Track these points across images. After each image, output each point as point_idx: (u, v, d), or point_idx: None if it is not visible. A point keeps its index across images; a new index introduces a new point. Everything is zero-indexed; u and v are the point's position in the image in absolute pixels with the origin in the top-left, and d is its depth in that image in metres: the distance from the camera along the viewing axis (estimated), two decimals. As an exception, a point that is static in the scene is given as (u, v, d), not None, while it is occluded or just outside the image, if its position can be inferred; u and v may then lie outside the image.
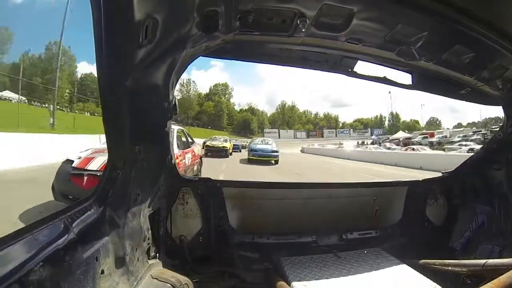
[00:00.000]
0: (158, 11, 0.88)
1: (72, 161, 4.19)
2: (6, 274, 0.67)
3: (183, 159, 5.62)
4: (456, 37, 1.20)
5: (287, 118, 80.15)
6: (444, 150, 22.96)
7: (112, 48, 0.85)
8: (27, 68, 42.68)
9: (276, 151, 14.99)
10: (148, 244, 1.44)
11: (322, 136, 74.80)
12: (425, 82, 1.67)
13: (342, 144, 38.06)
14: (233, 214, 1.81)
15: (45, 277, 0.76)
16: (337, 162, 19.17)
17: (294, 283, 1.43)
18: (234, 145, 23.15)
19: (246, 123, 72.39)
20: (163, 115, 1.37)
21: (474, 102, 1.80)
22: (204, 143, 19.48)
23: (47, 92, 39.44)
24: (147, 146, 1.28)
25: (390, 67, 1.59)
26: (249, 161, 14.50)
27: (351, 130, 79.31)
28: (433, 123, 71.74)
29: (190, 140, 7.15)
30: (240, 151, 22.48)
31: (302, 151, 34.91)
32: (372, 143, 38.28)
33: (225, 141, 19.47)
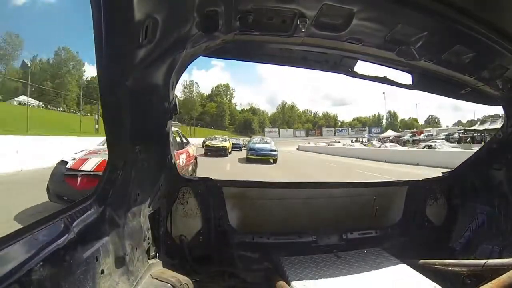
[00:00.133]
0: (158, 11, 0.88)
1: (67, 162, 4.21)
2: (6, 274, 0.67)
3: (177, 160, 5.66)
4: (456, 37, 1.20)
5: (287, 118, 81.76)
6: (407, 146, 25.66)
7: (112, 48, 0.85)
8: (37, 73, 44.60)
9: (275, 150, 15.19)
10: (148, 244, 1.44)
11: (321, 135, 76.20)
12: (425, 82, 1.67)
13: (339, 142, 41.82)
14: (233, 213, 1.81)
15: (45, 277, 0.77)
16: (321, 157, 23.12)
17: (294, 283, 1.43)
18: (235, 144, 23.46)
19: (247, 123, 74.24)
20: (163, 115, 1.37)
21: (474, 102, 1.80)
22: (204, 142, 19.64)
23: (56, 96, 41.65)
24: (147, 146, 1.28)
25: (390, 67, 1.59)
26: (248, 160, 14.71)
27: (349, 128, 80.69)
28: (432, 121, 72.54)
29: (185, 140, 7.20)
30: (241, 150, 22.66)
31: (298, 148, 36.75)
32: (359, 141, 41.66)
33: (224, 140, 19.66)
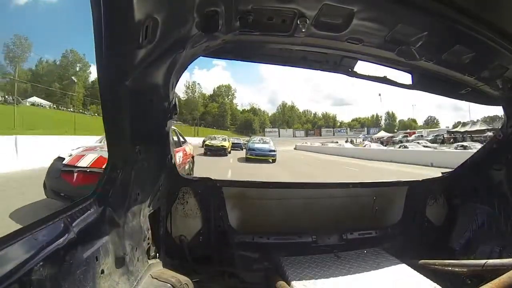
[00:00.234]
0: (158, 11, 0.88)
1: (63, 159, 4.24)
2: (6, 274, 0.67)
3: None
4: (456, 37, 1.20)
5: (287, 118, 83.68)
6: (387, 146, 28.97)
7: (112, 48, 0.85)
8: (45, 75, 47.78)
9: (274, 150, 15.46)
10: (148, 244, 1.44)
11: (320, 135, 77.75)
12: (425, 82, 1.67)
13: (336, 142, 44.35)
14: (233, 214, 1.81)
15: (45, 277, 0.77)
16: (314, 155, 25.56)
17: (294, 283, 1.43)
18: (236, 143, 23.60)
19: (248, 123, 76.16)
20: (163, 115, 1.37)
21: (474, 102, 1.80)
22: (204, 142, 19.70)
23: (63, 96, 44.55)
24: (147, 146, 1.28)
25: (390, 67, 1.59)
26: (247, 160, 14.91)
27: (348, 129, 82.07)
28: (431, 122, 73.38)
29: (182, 139, 7.23)
30: (242, 150, 22.65)
31: (295, 148, 38.80)
32: (349, 141, 44.89)
33: (224, 140, 19.69)
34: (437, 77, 1.59)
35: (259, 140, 17.27)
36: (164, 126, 1.42)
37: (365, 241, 1.90)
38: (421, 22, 1.14)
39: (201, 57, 1.38)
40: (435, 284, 1.36)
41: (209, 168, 10.49)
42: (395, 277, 1.49)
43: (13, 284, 0.68)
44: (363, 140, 42.93)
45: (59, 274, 0.83)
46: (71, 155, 4.33)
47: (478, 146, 21.25)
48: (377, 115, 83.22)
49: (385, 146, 30.13)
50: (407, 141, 33.23)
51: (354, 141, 44.74)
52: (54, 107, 40.10)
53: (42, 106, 40.48)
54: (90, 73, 52.47)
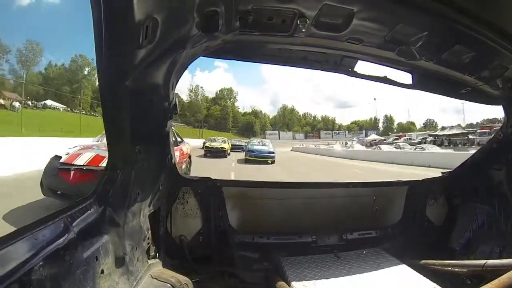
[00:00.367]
0: (158, 11, 0.88)
1: (60, 157, 4.28)
2: (6, 273, 0.67)
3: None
4: (456, 37, 1.20)
5: (287, 121, 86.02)
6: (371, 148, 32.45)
7: (112, 48, 0.85)
8: (56, 78, 50.26)
9: (273, 152, 15.78)
10: (148, 244, 1.44)
11: (319, 137, 79.33)
12: (425, 81, 1.67)
13: (333, 144, 46.37)
14: (233, 214, 1.81)
15: (45, 277, 0.77)
16: (307, 156, 28.42)
17: (294, 283, 1.43)
18: (237, 145, 23.71)
19: (250, 126, 78.37)
20: (163, 115, 1.37)
21: (474, 102, 1.80)
22: (204, 143, 19.82)
23: (73, 99, 46.78)
24: (147, 146, 1.28)
25: (390, 67, 1.59)
26: (246, 161, 15.13)
27: (347, 131, 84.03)
28: (429, 125, 74.56)
29: (179, 139, 7.27)
30: (243, 151, 22.69)
31: (292, 149, 40.74)
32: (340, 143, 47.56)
33: (223, 142, 19.84)
34: (437, 77, 1.59)
35: (258, 142, 17.58)
36: (164, 126, 1.42)
37: (365, 241, 1.90)
38: (421, 22, 1.14)
39: (203, 59, 1.38)
40: (435, 284, 1.36)
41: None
42: (395, 277, 1.49)
43: (13, 284, 0.68)
44: (357, 143, 45.34)
45: (59, 274, 0.83)
46: (68, 153, 4.37)
47: (434, 148, 23.43)
48: (375, 118, 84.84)
49: (369, 148, 33.06)
50: (397, 143, 36.20)
51: (342, 143, 47.72)
52: (68, 110, 42.00)
53: (57, 108, 42.42)
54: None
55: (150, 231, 1.45)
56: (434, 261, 1.60)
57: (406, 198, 2.04)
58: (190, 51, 1.19)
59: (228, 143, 20.72)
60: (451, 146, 29.05)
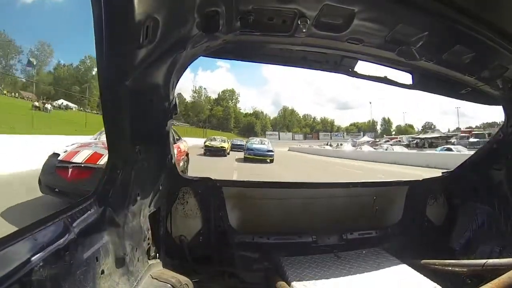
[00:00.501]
0: (159, 11, 0.88)
1: (58, 155, 4.27)
2: (6, 274, 0.67)
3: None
4: (456, 37, 1.20)
5: (287, 122, 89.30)
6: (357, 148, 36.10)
7: (113, 48, 0.85)
8: (66, 78, 53.00)
9: (271, 151, 16.03)
10: (148, 244, 1.44)
11: (318, 139, 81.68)
12: (425, 82, 1.67)
13: (330, 145, 51.66)
14: (233, 214, 1.81)
15: (45, 277, 0.76)
16: (301, 154, 31.65)
17: (294, 283, 1.43)
18: (238, 145, 24.03)
19: (250, 126, 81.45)
20: (163, 115, 1.36)
21: (474, 102, 1.80)
22: (204, 143, 20.11)
23: (82, 98, 48.94)
24: (147, 146, 1.28)
25: (390, 67, 1.59)
26: (245, 159, 15.38)
27: (345, 133, 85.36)
28: (428, 127, 75.93)
29: (176, 137, 7.29)
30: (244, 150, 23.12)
31: (289, 149, 43.45)
32: (330, 145, 52.59)
33: (223, 141, 20.12)
34: (437, 77, 1.59)
35: (257, 141, 17.85)
36: (164, 126, 1.42)
37: (365, 241, 1.90)
38: (422, 22, 1.14)
39: (206, 58, 1.39)
40: (435, 284, 1.36)
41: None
42: (395, 277, 1.49)
43: (14, 285, 0.67)
44: (351, 145, 47.93)
45: (60, 274, 0.82)
46: (66, 151, 4.36)
47: (401, 149, 27.18)
48: (373, 121, 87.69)
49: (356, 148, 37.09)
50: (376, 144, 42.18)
51: (333, 144, 53.24)
52: (81, 109, 43.55)
53: (70, 108, 44.42)
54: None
55: (150, 231, 1.45)
56: (434, 260, 1.60)
57: (406, 198, 2.04)
58: (190, 51, 1.19)
59: (228, 143, 21.01)
60: (425, 147, 34.47)
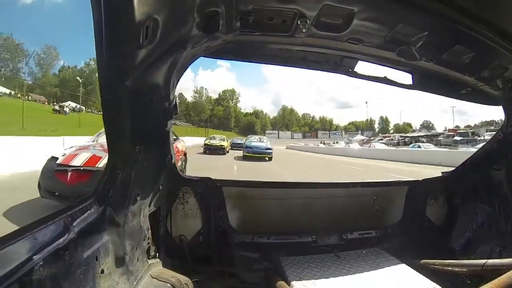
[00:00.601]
0: (159, 11, 0.88)
1: (57, 158, 4.27)
2: (6, 273, 0.67)
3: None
4: (456, 37, 1.20)
5: (286, 121, 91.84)
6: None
7: (113, 48, 0.85)
8: (72, 80, 54.11)
9: (270, 149, 16.28)
10: (148, 243, 1.44)
11: (317, 137, 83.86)
12: (425, 82, 1.66)
13: (318, 143, 56.48)
14: (233, 213, 1.81)
15: (45, 277, 0.77)
16: (297, 152, 33.83)
17: (294, 283, 1.43)
18: (238, 143, 24.57)
19: (251, 125, 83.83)
20: (163, 115, 1.37)
21: (474, 102, 1.80)
22: (204, 141, 20.43)
23: (88, 100, 50.81)
24: (148, 146, 1.28)
25: (390, 67, 1.59)
26: (244, 157, 15.64)
27: (343, 132, 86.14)
28: (426, 126, 78.13)
29: (174, 137, 7.29)
30: (244, 149, 23.62)
31: (286, 147, 46.91)
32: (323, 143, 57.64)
33: (222, 140, 20.46)
34: (437, 77, 1.59)
35: (256, 139, 18.16)
36: (164, 126, 1.42)
37: (365, 241, 1.90)
38: (421, 22, 1.14)
39: (204, 58, 1.39)
40: (435, 284, 1.36)
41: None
42: (395, 277, 1.49)
43: (13, 284, 0.68)
44: (345, 143, 50.17)
45: (59, 274, 0.83)
46: (64, 154, 4.36)
47: (381, 146, 30.49)
48: (370, 119, 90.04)
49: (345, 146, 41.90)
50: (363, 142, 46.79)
51: (325, 143, 58.89)
52: (88, 111, 45.43)
53: (82, 110, 45.90)
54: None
55: (150, 231, 1.45)
56: (434, 260, 1.60)
57: (406, 198, 2.04)
58: (190, 51, 1.19)
59: (227, 141, 21.39)
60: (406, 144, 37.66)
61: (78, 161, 4.12)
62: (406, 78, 1.69)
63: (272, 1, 1.04)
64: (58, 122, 26.44)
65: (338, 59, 1.56)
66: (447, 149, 22.11)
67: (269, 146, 16.42)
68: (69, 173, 3.97)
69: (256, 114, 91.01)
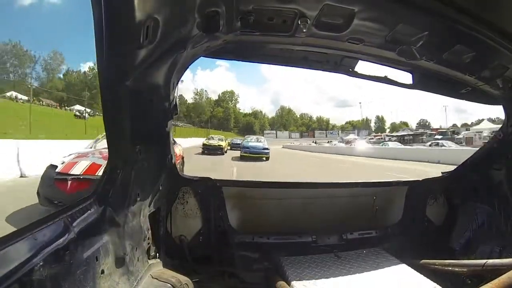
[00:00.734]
0: (159, 11, 0.88)
1: (56, 166, 4.21)
2: (6, 273, 0.67)
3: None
4: (457, 37, 1.20)
5: (284, 121, 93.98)
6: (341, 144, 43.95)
7: (113, 48, 0.85)
8: (78, 84, 56.57)
9: (267, 149, 16.51)
10: (148, 244, 1.44)
11: (314, 137, 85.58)
12: (425, 81, 1.66)
13: (310, 142, 59.97)
14: (233, 213, 1.81)
15: (45, 277, 0.76)
16: (292, 151, 36.45)
17: (294, 283, 1.43)
18: (237, 144, 24.65)
19: (249, 126, 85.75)
20: (163, 115, 1.36)
21: (474, 102, 1.80)
22: (203, 142, 20.46)
23: (92, 103, 50.88)
24: (148, 146, 1.28)
25: (391, 67, 1.59)
26: (242, 158, 15.79)
27: (340, 131, 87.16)
28: (423, 124, 79.98)
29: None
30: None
31: (283, 147, 48.81)
32: (314, 142, 60.45)
33: (221, 140, 20.60)
34: (437, 77, 1.59)
35: (253, 139, 18.39)
36: (164, 126, 1.42)
37: (365, 241, 1.90)
38: (422, 22, 1.14)
39: (204, 58, 1.39)
40: (435, 284, 1.36)
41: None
42: (395, 277, 1.49)
43: (13, 284, 0.68)
44: (338, 142, 52.10)
45: (59, 274, 0.82)
46: (63, 162, 4.30)
47: (361, 144, 31.66)
48: (366, 119, 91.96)
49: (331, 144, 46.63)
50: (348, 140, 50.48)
51: (317, 142, 62.70)
52: (97, 114, 45.66)
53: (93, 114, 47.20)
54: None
55: (150, 231, 1.45)
56: (434, 261, 1.60)
57: (406, 198, 2.04)
58: (190, 51, 1.19)
59: (225, 141, 21.53)
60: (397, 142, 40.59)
61: (77, 170, 4.07)
62: (406, 77, 1.69)
63: (272, 1, 1.04)
64: (83, 126, 27.73)
65: (338, 59, 1.56)
66: (406, 146, 29.35)
67: (266, 146, 16.61)
68: (69, 182, 3.93)
69: (255, 114, 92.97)
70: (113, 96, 0.99)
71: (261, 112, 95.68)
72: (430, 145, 24.08)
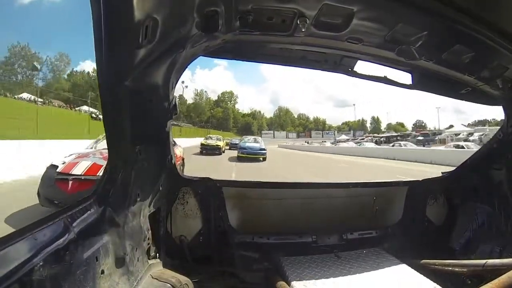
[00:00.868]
0: (158, 11, 0.88)
1: (57, 166, 4.20)
2: (6, 274, 0.67)
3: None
4: (456, 37, 1.20)
5: (281, 122, 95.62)
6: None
7: (112, 48, 0.85)
8: (83, 85, 56.38)
9: (264, 149, 16.63)
10: (148, 244, 1.44)
11: (310, 137, 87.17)
12: (425, 81, 1.66)
13: (303, 142, 62.99)
14: (233, 214, 1.81)
15: (45, 277, 0.76)
16: (286, 150, 38.54)
17: (294, 283, 1.43)
18: (236, 144, 24.49)
19: (248, 126, 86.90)
20: (163, 115, 1.36)
21: (474, 102, 1.80)
22: (201, 141, 20.55)
23: (96, 103, 49.65)
24: (148, 146, 1.28)
25: (390, 67, 1.59)
26: (239, 158, 15.79)
27: (336, 131, 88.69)
28: (418, 125, 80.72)
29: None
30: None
31: (278, 146, 51.22)
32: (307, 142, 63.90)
33: (218, 140, 20.57)
34: (437, 77, 1.58)
35: (250, 140, 18.40)
36: (164, 127, 1.42)
37: (365, 241, 1.90)
38: (421, 21, 1.14)
39: (203, 58, 1.39)
40: (435, 284, 1.36)
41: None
42: (395, 277, 1.49)
43: (13, 284, 0.68)
44: (331, 143, 53.28)
45: (59, 274, 0.82)
46: (64, 162, 4.30)
47: (346, 144, 36.12)
48: (362, 120, 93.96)
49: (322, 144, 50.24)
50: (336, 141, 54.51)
51: (308, 142, 65.82)
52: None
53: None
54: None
55: (150, 231, 1.45)
56: (434, 261, 1.60)
57: (406, 198, 2.04)
58: (190, 51, 1.19)
59: (223, 141, 21.50)
60: (383, 142, 42.37)
61: (78, 170, 4.06)
62: (405, 77, 1.69)
63: (271, 0, 1.04)
64: (101, 126, 27.81)
65: (337, 59, 1.56)
66: (377, 146, 31.94)
67: (263, 147, 16.68)
68: (70, 182, 3.92)
69: (254, 115, 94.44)
70: (113, 96, 0.99)
71: (259, 112, 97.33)
72: (393, 145, 28.46)
